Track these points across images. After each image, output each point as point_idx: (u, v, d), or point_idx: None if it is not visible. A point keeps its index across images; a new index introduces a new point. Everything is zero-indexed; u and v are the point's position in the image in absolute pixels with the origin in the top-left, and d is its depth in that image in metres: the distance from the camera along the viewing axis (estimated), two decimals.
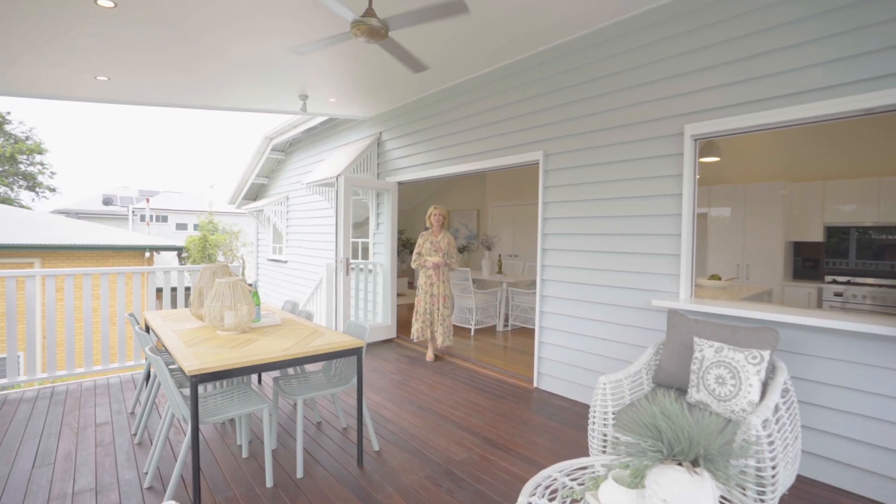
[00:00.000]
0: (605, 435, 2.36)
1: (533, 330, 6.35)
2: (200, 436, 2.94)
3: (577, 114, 3.71)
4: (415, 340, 4.99)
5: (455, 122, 4.91)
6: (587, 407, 3.57)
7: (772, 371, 2.27)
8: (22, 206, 21.39)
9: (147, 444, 2.81)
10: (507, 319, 6.62)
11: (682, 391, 2.53)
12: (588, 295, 3.66)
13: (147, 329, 3.17)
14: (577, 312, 3.74)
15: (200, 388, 2.96)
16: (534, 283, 6.98)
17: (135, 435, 2.91)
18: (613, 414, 2.35)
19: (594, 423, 2.36)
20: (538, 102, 4.02)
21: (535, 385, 4.05)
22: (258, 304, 2.98)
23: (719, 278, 4.38)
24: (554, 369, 3.91)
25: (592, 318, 3.62)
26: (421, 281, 4.89)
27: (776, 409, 2.03)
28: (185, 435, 2.63)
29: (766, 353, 2.13)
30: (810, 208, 5.26)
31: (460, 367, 4.62)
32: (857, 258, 5.28)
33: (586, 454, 2.80)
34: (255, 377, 3.89)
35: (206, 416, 2.22)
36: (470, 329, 6.27)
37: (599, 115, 3.55)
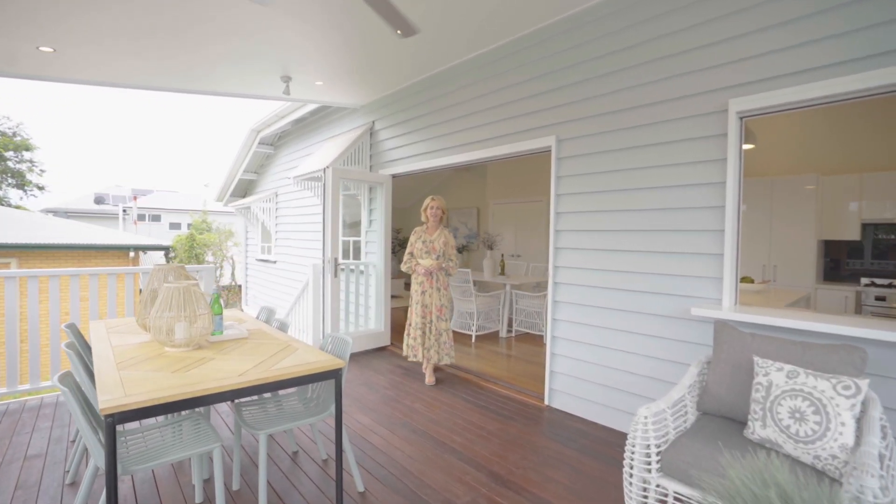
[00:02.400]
0: (645, 482, 1.87)
1: (539, 336, 5.88)
2: (148, 473, 2.44)
3: (596, 92, 3.22)
4: (409, 359, 4.19)
5: (455, 106, 4.42)
6: (609, 431, 3.08)
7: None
8: (10, 206, 20.82)
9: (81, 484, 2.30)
10: (510, 324, 6.13)
11: (737, 422, 2.05)
12: (609, 301, 3.17)
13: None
14: (596, 321, 3.25)
15: (135, 422, 2.46)
16: (539, 285, 6.49)
17: (68, 472, 2.40)
18: (657, 455, 1.86)
19: (632, 467, 1.87)
20: (550, 81, 3.54)
21: (546, 403, 3.56)
22: (219, 314, 2.49)
23: (752, 281, 3.90)
24: (569, 385, 3.42)
25: (615, 327, 3.13)
26: (413, 287, 4.13)
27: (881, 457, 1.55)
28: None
29: (863, 384, 1.64)
30: (846, 203, 4.79)
31: (461, 381, 4.12)
32: (873, 258, 4.85)
33: (617, 496, 2.31)
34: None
35: (135, 462, 1.72)
36: (471, 335, 5.78)
37: (623, 92, 3.06)
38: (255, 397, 2.53)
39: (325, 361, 2.07)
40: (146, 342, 2.35)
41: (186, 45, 3.73)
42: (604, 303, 3.20)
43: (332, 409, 2.22)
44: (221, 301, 2.56)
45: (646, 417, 1.87)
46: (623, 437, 2.99)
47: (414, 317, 4.07)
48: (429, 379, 4.02)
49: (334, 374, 2.06)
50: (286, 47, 3.84)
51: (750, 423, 1.88)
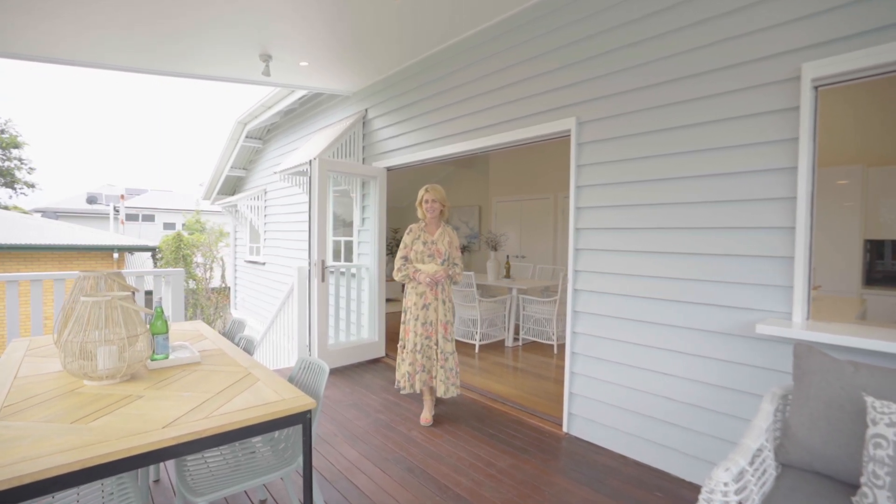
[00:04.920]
0: None
1: (549, 345, 5.36)
2: None
3: (627, 63, 2.71)
4: (400, 392, 3.22)
5: (456, 89, 3.90)
6: (642, 467, 2.57)
7: None
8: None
9: None
10: (517, 332, 5.61)
11: (838, 482, 1.54)
12: (642, 312, 2.66)
13: None
14: (625, 336, 2.74)
15: None
16: (548, 290, 5.98)
17: None
18: None
19: None
20: (569, 54, 3.03)
21: (565, 430, 3.05)
22: (163, 333, 1.97)
23: None
24: (592, 410, 2.91)
25: (649, 343, 2.62)
26: (409, 300, 3.20)
27: None
28: None
29: None
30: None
31: (465, 402, 3.61)
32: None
33: None
34: None
35: None
36: (474, 345, 5.26)
37: (662, 62, 2.55)
38: None
39: (290, 401, 1.55)
40: (62, 372, 1.83)
41: (145, 10, 3.21)
42: (635, 314, 2.69)
43: (300, 459, 1.71)
44: (167, 316, 2.04)
45: (726, 485, 1.35)
46: (659, 474, 2.49)
47: (411, 336, 3.16)
48: (425, 417, 3.17)
49: (301, 419, 1.55)
50: (261, 14, 3.32)
51: (867, 490, 1.37)
